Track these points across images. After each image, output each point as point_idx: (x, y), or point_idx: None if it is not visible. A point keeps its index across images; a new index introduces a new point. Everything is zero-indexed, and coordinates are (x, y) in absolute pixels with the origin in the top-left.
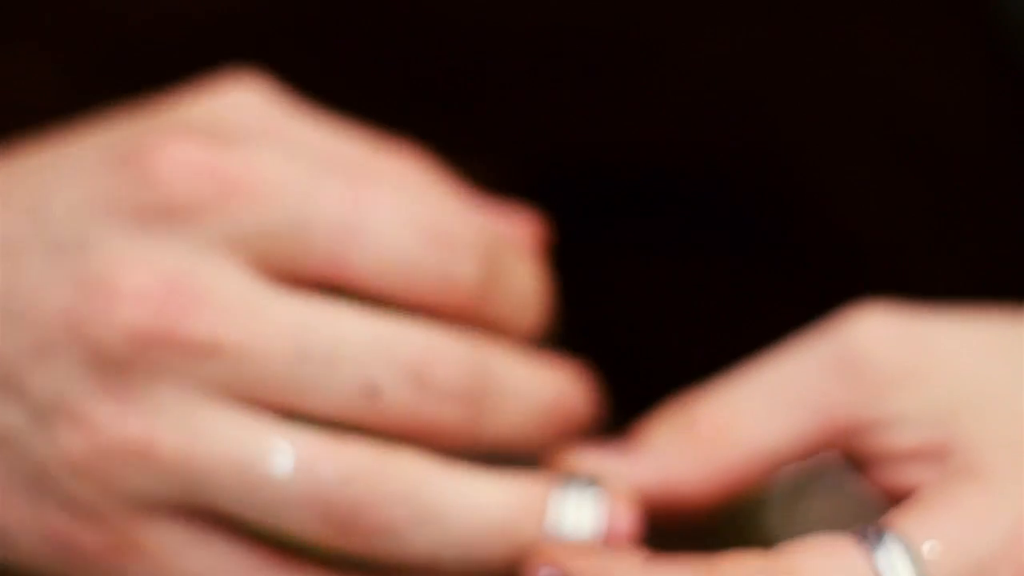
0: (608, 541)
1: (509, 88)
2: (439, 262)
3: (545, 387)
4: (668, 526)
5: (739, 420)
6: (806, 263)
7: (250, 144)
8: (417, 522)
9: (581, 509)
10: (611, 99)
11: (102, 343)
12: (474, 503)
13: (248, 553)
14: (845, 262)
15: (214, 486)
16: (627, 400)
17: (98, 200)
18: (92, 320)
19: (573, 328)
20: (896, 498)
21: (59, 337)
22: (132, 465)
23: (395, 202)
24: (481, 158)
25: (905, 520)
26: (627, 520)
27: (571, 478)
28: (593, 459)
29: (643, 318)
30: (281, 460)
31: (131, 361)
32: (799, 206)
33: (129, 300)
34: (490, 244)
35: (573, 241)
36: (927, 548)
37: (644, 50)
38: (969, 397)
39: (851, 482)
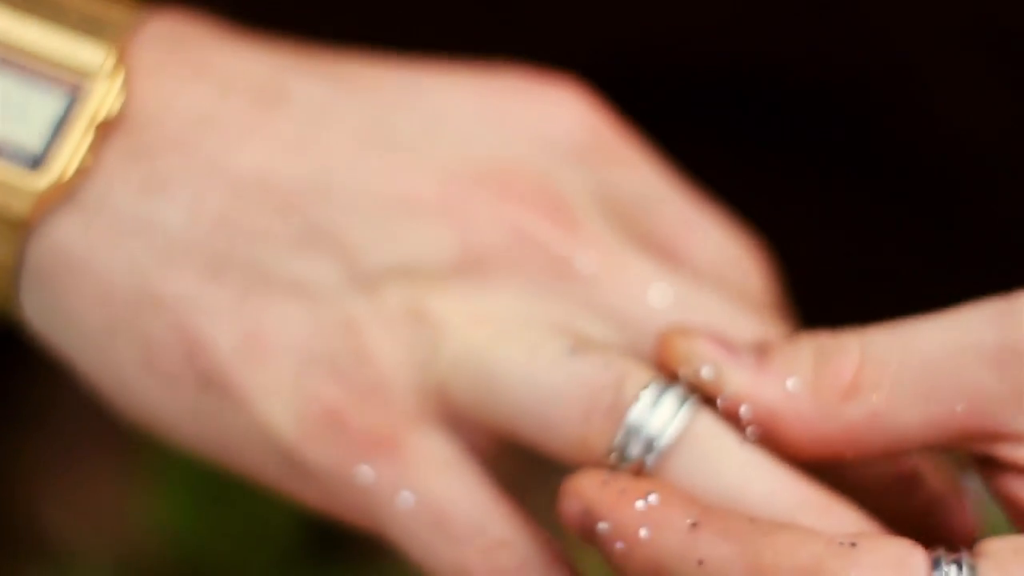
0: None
1: None
2: (738, 280)
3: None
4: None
5: (881, 385)
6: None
7: (631, 136)
8: None
9: (666, 414)
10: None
11: (477, 226)
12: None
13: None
14: (968, 186)
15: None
16: None
17: (493, 111)
18: (470, 205)
19: None
20: (1013, 512)
21: (421, 208)
22: (435, 354)
23: (712, 223)
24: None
25: (990, 559)
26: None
27: (672, 381)
28: (717, 353)
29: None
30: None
31: (495, 256)
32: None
33: (516, 198)
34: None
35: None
36: None
37: None
38: None
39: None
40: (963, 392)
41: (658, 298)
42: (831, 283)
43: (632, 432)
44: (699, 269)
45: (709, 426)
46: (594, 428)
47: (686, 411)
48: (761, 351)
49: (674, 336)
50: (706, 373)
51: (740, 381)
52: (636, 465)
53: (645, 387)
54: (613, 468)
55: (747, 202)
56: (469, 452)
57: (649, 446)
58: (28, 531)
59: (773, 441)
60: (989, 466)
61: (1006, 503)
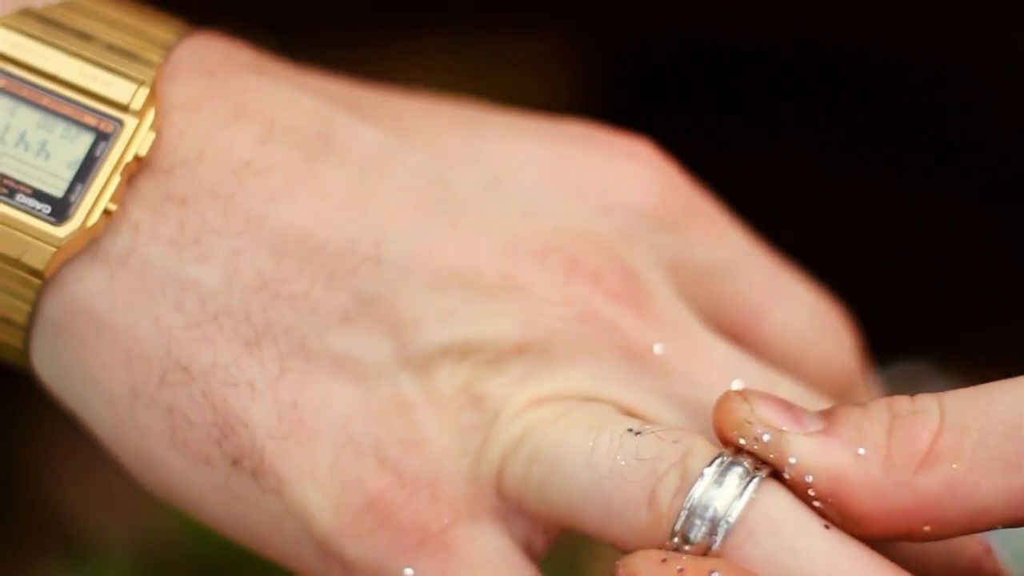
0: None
1: None
2: (831, 347)
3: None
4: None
5: (961, 454)
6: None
7: (707, 198)
8: None
9: (732, 491)
10: None
11: (543, 300)
12: None
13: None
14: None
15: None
16: None
17: (559, 171)
18: (535, 276)
19: None
20: None
21: (477, 276)
22: (490, 438)
23: (804, 283)
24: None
25: None
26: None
27: (738, 456)
28: (778, 417)
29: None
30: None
31: (563, 331)
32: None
33: (586, 272)
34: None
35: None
36: None
37: None
38: None
39: None
40: None
41: (736, 387)
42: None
43: (695, 511)
44: (786, 337)
45: (779, 503)
46: (657, 511)
47: (754, 487)
48: (829, 416)
49: (732, 399)
50: (768, 439)
51: (804, 449)
52: (702, 547)
53: (709, 464)
54: (676, 551)
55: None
56: (522, 550)
57: (714, 526)
58: (44, 514)
59: (842, 514)
60: None
61: None
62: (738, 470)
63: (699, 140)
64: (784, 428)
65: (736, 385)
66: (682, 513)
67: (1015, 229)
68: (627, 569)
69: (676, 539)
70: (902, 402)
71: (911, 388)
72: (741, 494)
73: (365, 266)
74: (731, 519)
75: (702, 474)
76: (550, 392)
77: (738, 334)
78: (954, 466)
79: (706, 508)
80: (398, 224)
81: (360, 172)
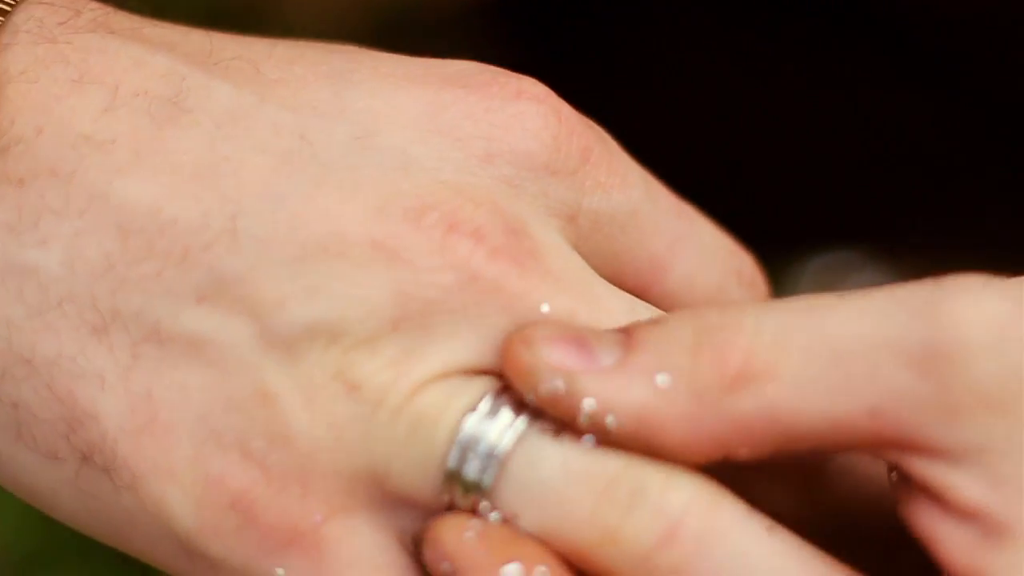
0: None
1: None
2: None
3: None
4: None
5: (779, 375)
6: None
7: (606, 140)
8: None
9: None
10: None
11: (418, 266)
12: None
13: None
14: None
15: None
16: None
17: (436, 119)
18: (410, 240)
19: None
20: (925, 545)
21: (347, 247)
22: (366, 424)
23: (710, 225)
24: None
25: None
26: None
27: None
28: (569, 358)
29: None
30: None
31: (442, 298)
32: None
33: (466, 231)
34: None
35: None
36: None
37: None
38: None
39: None
40: (878, 392)
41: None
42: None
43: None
44: (694, 289)
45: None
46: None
47: (524, 421)
48: (626, 339)
49: (514, 345)
50: (559, 387)
51: (601, 389)
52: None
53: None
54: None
55: None
56: (410, 542)
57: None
58: None
59: (654, 449)
60: (901, 483)
61: (916, 534)
62: (508, 404)
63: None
64: (576, 368)
65: (544, 309)
66: (453, 449)
67: (948, 119)
68: (431, 535)
69: (456, 484)
70: (709, 315)
71: (842, 277)
72: (512, 425)
73: (220, 241)
74: (500, 453)
75: (475, 408)
76: (431, 372)
77: (642, 288)
78: (770, 387)
79: (478, 442)
80: (256, 192)
81: (214, 136)
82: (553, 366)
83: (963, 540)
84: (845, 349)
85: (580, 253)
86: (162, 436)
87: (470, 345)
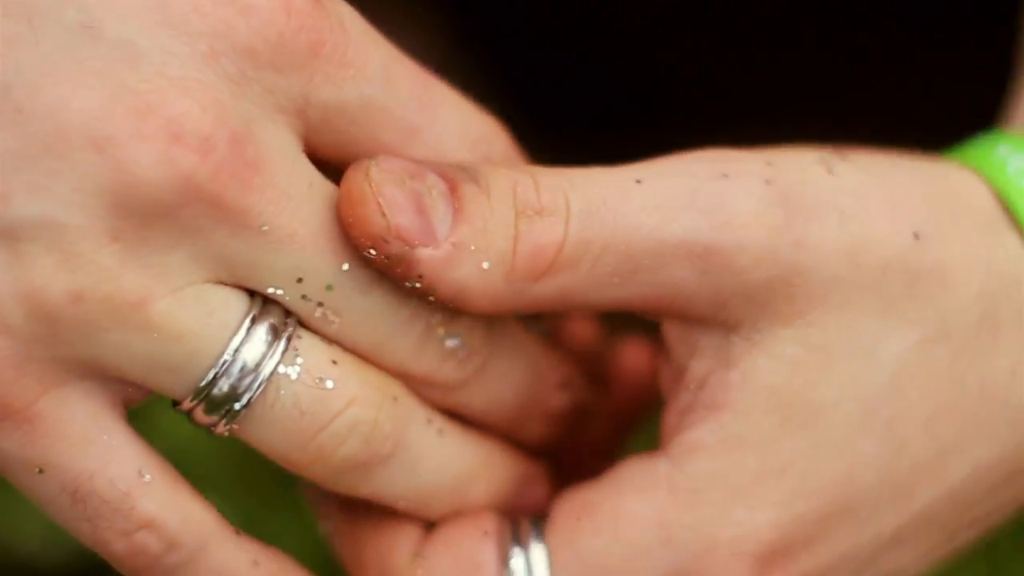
0: None
1: None
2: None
3: None
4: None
5: (578, 269)
6: None
7: (345, 29)
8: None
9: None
10: None
11: (140, 178)
12: None
13: (137, 450)
14: None
15: (192, 375)
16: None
17: (164, 10)
18: (132, 147)
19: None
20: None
21: (71, 147)
22: (89, 327)
23: (460, 110)
24: None
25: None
26: None
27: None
28: (412, 230)
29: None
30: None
31: (163, 212)
32: None
33: (191, 143)
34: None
35: None
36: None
37: None
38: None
39: None
40: (661, 284)
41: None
42: None
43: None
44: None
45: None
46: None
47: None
48: (457, 208)
49: (368, 203)
50: (397, 251)
51: (431, 268)
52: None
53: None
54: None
55: None
56: (121, 405)
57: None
58: None
59: (454, 308)
60: (664, 346)
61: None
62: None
63: None
64: (415, 243)
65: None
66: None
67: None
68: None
69: (202, 401)
70: (528, 192)
71: None
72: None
73: None
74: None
75: (236, 331)
76: (148, 283)
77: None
78: (567, 277)
79: (237, 366)
80: None
81: None
82: (399, 234)
83: (683, 404)
84: (637, 247)
85: (313, 145)
86: None
87: (186, 257)
